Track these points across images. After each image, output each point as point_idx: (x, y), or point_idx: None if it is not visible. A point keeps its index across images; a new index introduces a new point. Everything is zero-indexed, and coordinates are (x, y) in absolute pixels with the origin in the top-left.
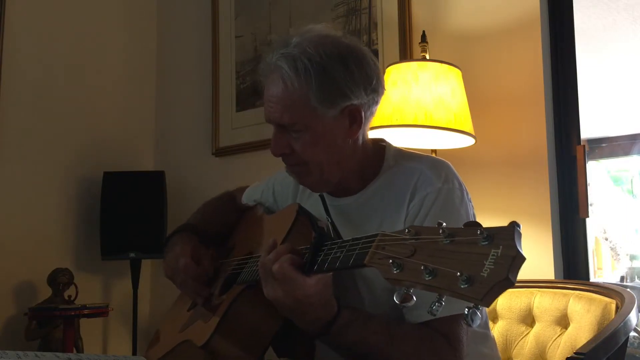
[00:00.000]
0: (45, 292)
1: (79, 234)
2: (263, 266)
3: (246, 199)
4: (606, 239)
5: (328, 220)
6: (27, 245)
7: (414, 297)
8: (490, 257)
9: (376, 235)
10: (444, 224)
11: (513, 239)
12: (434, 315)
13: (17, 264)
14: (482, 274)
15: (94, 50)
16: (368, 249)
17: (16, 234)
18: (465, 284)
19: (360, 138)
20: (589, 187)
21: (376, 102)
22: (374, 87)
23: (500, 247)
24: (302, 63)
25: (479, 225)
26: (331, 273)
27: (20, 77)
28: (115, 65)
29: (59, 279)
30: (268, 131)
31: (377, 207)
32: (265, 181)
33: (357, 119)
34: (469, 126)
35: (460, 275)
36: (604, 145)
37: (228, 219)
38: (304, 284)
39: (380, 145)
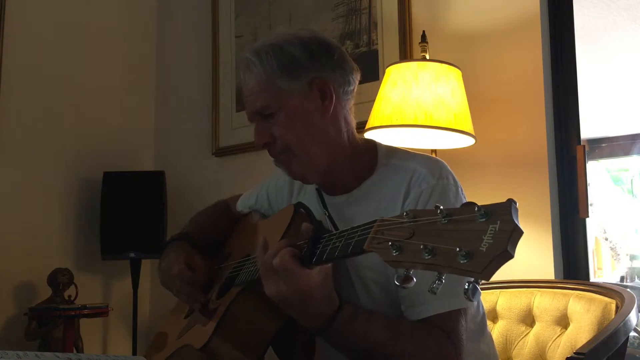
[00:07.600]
0: (45, 292)
1: (79, 234)
2: (263, 263)
3: (241, 206)
4: (606, 239)
5: (325, 214)
6: (27, 245)
7: (414, 279)
8: (489, 232)
9: (375, 221)
10: (441, 206)
11: (510, 214)
12: (434, 292)
13: (17, 264)
14: (480, 248)
15: (94, 50)
16: (367, 234)
17: (16, 234)
18: (465, 259)
19: (342, 122)
20: (589, 187)
21: (347, 82)
22: (337, 62)
23: (498, 222)
24: (265, 50)
25: (475, 203)
26: (330, 265)
27: (20, 77)
28: (115, 65)
29: (59, 279)
30: None
31: (372, 204)
32: (258, 187)
33: (327, 93)
34: (469, 126)
35: (459, 251)
36: (604, 145)
37: (222, 226)
38: (305, 275)
39: (371, 143)
